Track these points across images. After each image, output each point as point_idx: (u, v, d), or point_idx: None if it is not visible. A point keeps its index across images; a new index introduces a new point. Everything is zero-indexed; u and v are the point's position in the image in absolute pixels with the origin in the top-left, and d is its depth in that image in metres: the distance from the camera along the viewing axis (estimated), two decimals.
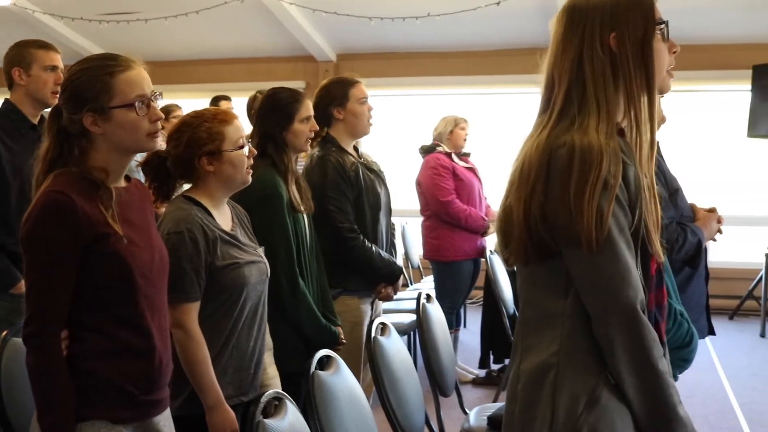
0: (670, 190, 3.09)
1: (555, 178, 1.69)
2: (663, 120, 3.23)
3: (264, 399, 2.11)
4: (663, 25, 1.81)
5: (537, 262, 1.76)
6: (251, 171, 2.69)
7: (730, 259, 8.30)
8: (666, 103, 8.99)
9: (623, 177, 1.68)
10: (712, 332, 3.30)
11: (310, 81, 8.63)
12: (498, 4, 7.12)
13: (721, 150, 8.38)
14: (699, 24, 7.76)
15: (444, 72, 8.71)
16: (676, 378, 2.04)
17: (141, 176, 2.64)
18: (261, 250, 2.76)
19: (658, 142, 3.24)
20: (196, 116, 2.63)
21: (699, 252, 3.06)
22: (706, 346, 6.82)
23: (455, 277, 5.63)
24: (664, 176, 3.06)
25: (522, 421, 1.77)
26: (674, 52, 1.86)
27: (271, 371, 2.86)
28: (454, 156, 5.71)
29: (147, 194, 2.35)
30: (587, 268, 1.67)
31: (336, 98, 3.71)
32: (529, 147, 1.76)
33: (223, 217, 2.68)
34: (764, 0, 7.38)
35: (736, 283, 8.01)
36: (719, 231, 3.22)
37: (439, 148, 5.71)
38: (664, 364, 1.71)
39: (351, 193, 3.62)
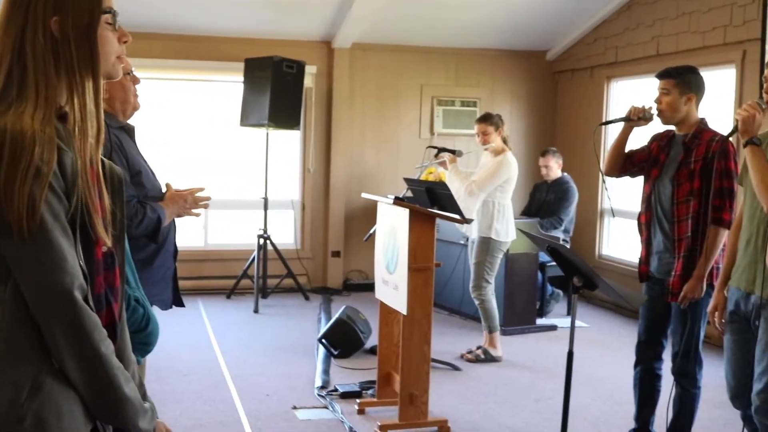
0: (133, 171, 3.24)
1: None
2: (137, 107, 3.32)
3: None
4: (110, 14, 1.81)
5: None
6: None
7: (228, 241, 8.79)
8: (166, 90, 9.03)
9: (59, 164, 1.66)
10: (179, 304, 3.49)
11: None
12: None
13: (219, 137, 8.79)
14: (200, 17, 8.06)
15: None
16: (139, 362, 2.07)
17: None
18: None
19: (133, 127, 3.30)
20: None
21: (158, 227, 3.27)
22: (204, 326, 7.14)
23: None
24: (126, 158, 3.18)
25: None
26: (125, 42, 1.87)
27: None
28: None
29: None
30: (22, 257, 1.63)
31: None
32: None
33: None
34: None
35: (233, 264, 8.50)
36: (203, 206, 3.50)
37: None
38: (108, 346, 1.72)
39: None
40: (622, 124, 4.26)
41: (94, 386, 1.70)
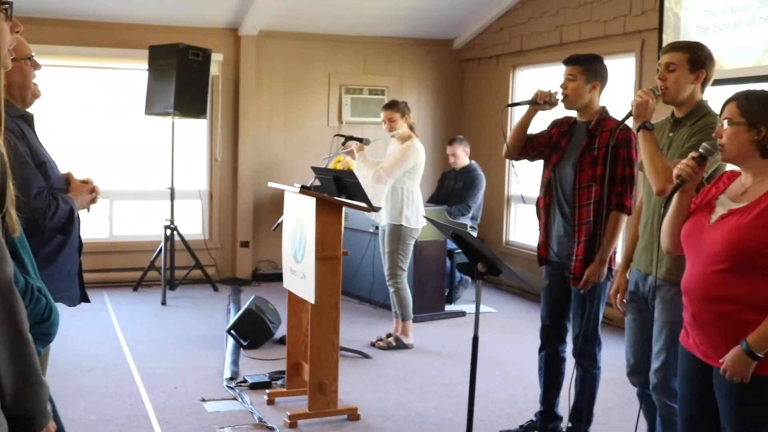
0: (37, 162, 3.13)
1: None
2: (37, 94, 3.21)
3: None
4: (7, 5, 1.78)
5: None
6: None
7: (133, 233, 8.61)
8: (68, 78, 8.75)
9: None
10: (85, 299, 3.40)
11: None
12: None
13: (123, 127, 8.58)
14: (104, 2, 7.85)
15: None
16: (40, 353, 2.03)
17: None
18: None
19: (32, 116, 3.20)
20: None
21: (71, 220, 3.17)
22: (110, 320, 6.98)
23: None
24: (29, 148, 3.08)
25: None
26: (16, 32, 1.86)
27: None
28: None
29: None
30: None
31: None
32: None
33: None
34: None
35: (139, 256, 8.33)
36: (93, 200, 3.40)
37: None
38: (29, 331, 1.76)
39: None
40: (527, 108, 4.32)
41: (19, 372, 1.73)
